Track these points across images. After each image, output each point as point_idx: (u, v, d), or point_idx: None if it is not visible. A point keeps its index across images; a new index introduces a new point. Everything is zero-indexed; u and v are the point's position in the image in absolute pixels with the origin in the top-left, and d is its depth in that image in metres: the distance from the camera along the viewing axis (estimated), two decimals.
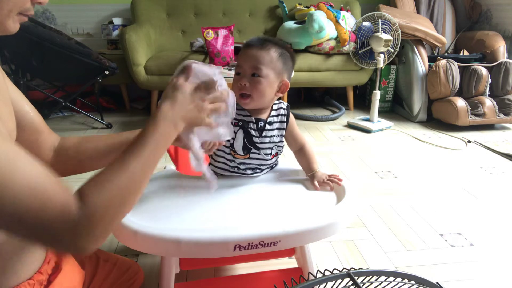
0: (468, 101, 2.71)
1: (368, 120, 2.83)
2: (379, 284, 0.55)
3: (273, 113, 1.00)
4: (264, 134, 0.98)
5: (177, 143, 0.77)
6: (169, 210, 0.87)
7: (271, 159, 1.01)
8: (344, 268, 0.54)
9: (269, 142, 0.99)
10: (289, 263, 1.27)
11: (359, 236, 1.46)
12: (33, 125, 0.79)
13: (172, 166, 1.12)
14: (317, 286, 0.52)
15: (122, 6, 3.36)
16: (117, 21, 3.26)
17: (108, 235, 0.60)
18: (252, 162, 0.99)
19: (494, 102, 2.70)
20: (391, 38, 2.60)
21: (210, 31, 2.75)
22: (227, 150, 0.98)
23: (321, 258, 1.32)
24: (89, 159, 0.85)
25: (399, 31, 2.67)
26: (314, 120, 2.98)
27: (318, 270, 0.58)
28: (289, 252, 1.16)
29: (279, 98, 1.02)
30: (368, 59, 2.79)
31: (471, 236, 1.46)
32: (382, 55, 2.67)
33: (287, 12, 3.22)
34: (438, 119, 2.86)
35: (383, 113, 3.16)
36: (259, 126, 0.97)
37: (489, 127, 2.82)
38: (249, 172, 1.01)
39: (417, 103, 2.93)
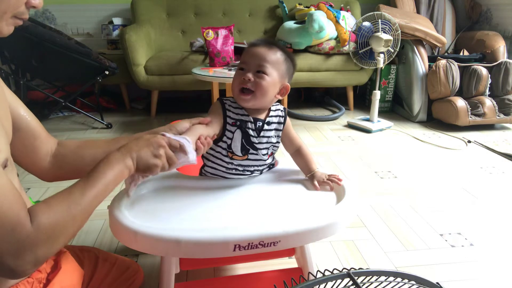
0: (468, 101, 2.71)
1: (368, 120, 2.83)
2: (379, 284, 0.55)
3: (272, 113, 1.00)
4: (262, 134, 0.97)
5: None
6: (169, 210, 0.87)
7: (267, 159, 1.01)
8: (344, 268, 0.54)
9: (267, 143, 0.99)
10: (289, 263, 1.27)
11: (359, 236, 1.46)
12: (29, 129, 0.78)
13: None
14: (317, 286, 0.52)
15: (122, 6, 3.36)
16: (117, 21, 3.26)
17: (45, 260, 0.63)
18: (250, 163, 0.98)
19: (494, 102, 2.70)
20: (391, 38, 2.60)
21: (210, 31, 2.75)
22: (224, 152, 0.97)
23: (321, 258, 1.32)
24: (86, 165, 0.85)
25: (399, 31, 2.67)
26: (314, 120, 2.98)
27: (318, 270, 0.58)
28: (289, 252, 1.16)
29: (278, 101, 1.02)
30: (368, 59, 2.79)
31: (471, 236, 1.46)
32: (382, 55, 2.67)
33: (287, 12, 3.23)
34: (438, 119, 2.86)
35: (383, 113, 3.16)
36: (257, 126, 0.97)
37: (489, 127, 2.82)
38: (247, 173, 1.01)
39: (417, 103, 2.93)
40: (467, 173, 2.04)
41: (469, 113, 2.66)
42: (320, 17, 2.75)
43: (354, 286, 0.51)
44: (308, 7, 3.12)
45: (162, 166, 0.76)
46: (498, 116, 2.70)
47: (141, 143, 0.75)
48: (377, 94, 2.76)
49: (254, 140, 0.96)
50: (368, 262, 1.31)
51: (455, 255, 1.35)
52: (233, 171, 0.99)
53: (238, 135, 0.95)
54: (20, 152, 0.75)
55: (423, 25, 2.93)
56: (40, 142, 0.82)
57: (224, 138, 0.96)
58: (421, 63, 2.89)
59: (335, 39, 2.99)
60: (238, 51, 2.82)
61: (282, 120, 1.01)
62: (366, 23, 2.70)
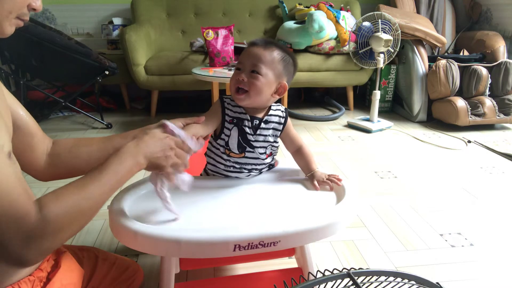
0: (468, 101, 2.71)
1: (368, 120, 2.83)
2: (379, 284, 0.55)
3: (271, 112, 1.00)
4: (258, 132, 0.98)
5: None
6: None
7: (266, 158, 1.01)
8: (344, 268, 0.54)
9: (264, 141, 0.99)
10: (289, 263, 1.27)
11: (359, 236, 1.46)
12: (27, 128, 0.79)
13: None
14: (317, 286, 0.52)
15: (122, 6, 3.36)
16: (117, 21, 3.26)
17: (51, 251, 0.64)
18: (247, 161, 0.99)
19: (494, 102, 2.70)
20: (391, 38, 2.60)
21: (210, 31, 2.75)
22: (222, 149, 0.98)
23: (321, 258, 1.32)
24: (81, 164, 0.86)
25: (399, 31, 2.67)
26: (314, 120, 2.98)
27: (318, 270, 0.58)
28: (289, 252, 1.16)
29: (278, 101, 1.03)
30: (368, 59, 2.79)
31: (471, 236, 1.46)
32: (382, 55, 2.67)
33: (287, 12, 3.23)
34: (438, 119, 2.86)
35: (383, 113, 3.16)
36: (254, 124, 0.97)
37: (489, 127, 2.82)
38: (245, 171, 1.01)
39: (417, 103, 2.93)
40: (467, 173, 2.04)
41: (469, 113, 2.66)
42: (320, 17, 2.75)
43: (354, 286, 0.51)
44: (308, 7, 3.12)
45: (171, 165, 0.78)
46: (498, 116, 2.70)
47: (153, 143, 0.76)
48: (377, 94, 2.76)
49: (251, 138, 0.97)
50: (368, 262, 1.31)
51: (455, 255, 1.35)
52: (231, 169, 1.00)
53: (235, 132, 0.96)
54: (18, 151, 0.75)
55: (423, 25, 2.93)
56: (37, 141, 0.82)
57: (222, 136, 0.97)
58: (421, 63, 2.89)
59: (335, 39, 2.98)
60: (238, 51, 2.82)
61: (282, 120, 1.01)
62: (366, 23, 2.70)
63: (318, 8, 3.04)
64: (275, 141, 1.02)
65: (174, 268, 0.99)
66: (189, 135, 0.85)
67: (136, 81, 2.90)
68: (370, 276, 0.54)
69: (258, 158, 0.99)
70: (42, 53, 2.43)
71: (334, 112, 3.16)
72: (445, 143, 2.51)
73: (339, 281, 0.53)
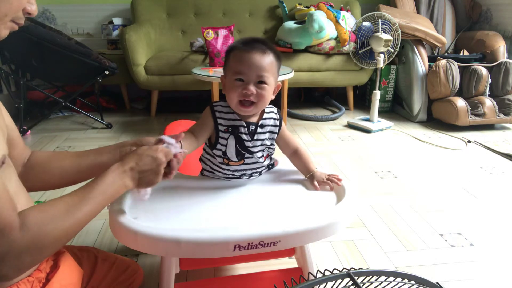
0: (468, 101, 2.71)
1: (368, 120, 2.83)
2: (379, 284, 0.55)
3: (265, 115, 0.98)
4: (255, 137, 0.95)
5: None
6: (169, 210, 0.87)
7: (264, 161, 1.00)
8: (344, 268, 0.54)
9: (261, 145, 0.97)
10: (289, 263, 1.27)
11: (359, 236, 1.46)
12: (10, 137, 0.78)
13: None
14: (317, 286, 0.52)
15: (122, 6, 3.36)
16: (117, 21, 3.26)
17: (30, 267, 0.62)
18: (247, 167, 0.98)
19: (494, 102, 2.70)
20: (391, 38, 2.60)
21: (210, 31, 2.75)
22: (220, 159, 0.96)
23: (321, 258, 1.32)
24: (54, 179, 0.85)
25: (399, 31, 2.67)
26: (314, 120, 2.98)
27: (318, 270, 0.58)
28: (289, 252, 1.16)
29: (275, 101, 1.01)
30: (368, 59, 2.79)
31: (471, 236, 1.46)
32: (382, 55, 2.67)
33: (287, 12, 3.23)
34: (438, 119, 2.86)
35: (383, 113, 3.16)
36: (250, 130, 0.95)
37: (489, 127, 2.82)
38: (245, 177, 1.00)
39: (417, 103, 2.93)
40: (467, 173, 2.04)
41: (469, 113, 2.66)
42: (320, 17, 2.75)
43: (354, 286, 0.51)
44: (308, 7, 3.12)
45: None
46: (498, 116, 2.70)
47: (144, 161, 0.76)
48: (377, 94, 2.76)
49: (248, 144, 0.95)
50: (368, 262, 1.31)
51: (455, 255, 1.35)
52: (230, 176, 0.99)
53: (231, 141, 0.93)
54: None
55: (423, 25, 2.93)
56: (17, 153, 0.81)
57: (218, 146, 0.94)
58: (421, 63, 2.89)
59: (335, 39, 2.98)
60: None
61: (277, 123, 0.99)
62: (366, 23, 2.70)
63: (318, 8, 3.04)
64: (272, 144, 1.01)
65: (174, 268, 0.99)
66: (174, 141, 0.83)
67: (136, 81, 2.90)
68: (370, 276, 0.54)
69: (257, 162, 0.98)
70: (42, 53, 2.42)
71: (334, 112, 3.16)
72: (445, 143, 2.51)
73: (339, 281, 0.53)
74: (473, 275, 1.25)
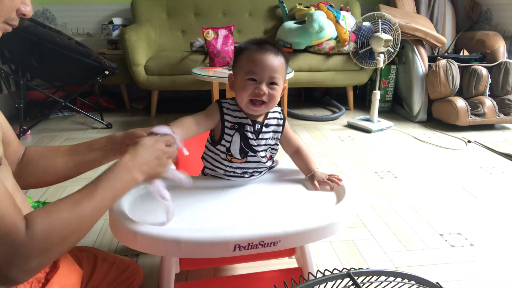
0: (468, 101, 2.71)
1: (368, 120, 2.83)
2: (379, 284, 0.55)
3: (270, 115, 0.99)
4: (260, 136, 0.97)
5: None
6: None
7: (266, 162, 1.01)
8: (344, 268, 0.54)
9: (265, 145, 0.98)
10: (289, 263, 1.27)
11: (359, 236, 1.46)
12: (4, 136, 0.77)
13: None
14: (317, 286, 0.52)
15: (122, 6, 3.36)
16: (117, 21, 3.26)
17: (39, 270, 0.61)
18: (249, 165, 0.98)
19: (494, 102, 2.70)
20: (391, 38, 2.60)
21: (210, 31, 2.75)
22: (223, 155, 0.97)
23: (321, 258, 1.32)
24: (48, 176, 0.85)
25: (399, 31, 2.67)
26: (314, 120, 2.98)
27: (318, 270, 0.58)
28: (289, 252, 1.16)
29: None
30: (368, 59, 2.79)
31: (471, 236, 1.46)
32: (382, 55, 2.67)
33: (287, 12, 3.22)
34: (438, 119, 2.86)
35: (383, 113, 3.16)
36: (256, 129, 0.96)
37: (489, 127, 2.82)
38: (246, 176, 1.01)
39: (417, 103, 2.93)
40: (467, 173, 2.04)
41: (469, 113, 2.66)
42: (320, 17, 2.75)
43: (354, 286, 0.51)
44: (308, 7, 3.12)
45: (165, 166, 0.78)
46: (498, 116, 2.70)
47: (147, 154, 0.74)
48: (377, 94, 2.76)
49: (253, 142, 0.96)
50: (368, 262, 1.31)
51: (455, 255, 1.35)
52: (231, 174, 0.99)
53: (236, 138, 0.95)
54: None
55: (423, 25, 2.93)
56: (12, 151, 0.81)
57: (223, 142, 0.95)
58: (421, 63, 2.89)
59: (335, 39, 2.98)
60: None
61: (281, 122, 1.01)
62: (366, 23, 2.70)
63: (318, 8, 3.04)
64: (275, 144, 1.02)
65: (174, 268, 0.99)
66: (166, 128, 0.83)
67: (136, 81, 2.90)
68: (370, 276, 0.54)
69: (259, 162, 0.99)
70: (42, 53, 2.42)
71: (334, 112, 3.16)
72: (445, 143, 2.50)
73: (339, 281, 0.53)
74: (473, 275, 1.25)
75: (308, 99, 3.60)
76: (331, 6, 3.08)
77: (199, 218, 0.85)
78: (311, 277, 0.55)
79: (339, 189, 0.97)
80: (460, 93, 2.77)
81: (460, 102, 2.66)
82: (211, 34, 2.75)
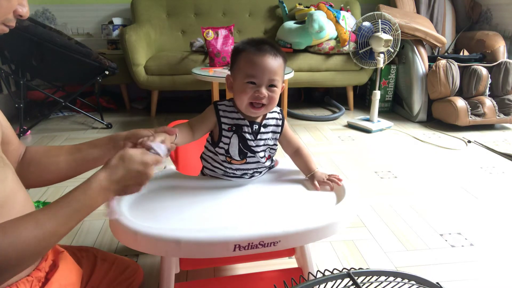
0: (468, 101, 2.71)
1: (368, 120, 2.83)
2: (379, 284, 0.55)
3: (269, 115, 0.99)
4: (259, 137, 0.96)
5: None
6: (169, 210, 0.87)
7: (265, 162, 1.01)
8: (344, 268, 0.54)
9: (264, 145, 0.98)
10: (289, 263, 1.27)
11: (359, 236, 1.46)
12: (4, 135, 0.77)
13: (172, 166, 1.12)
14: (317, 286, 0.52)
15: (122, 6, 3.36)
16: (117, 21, 3.26)
17: (2, 282, 0.57)
18: (249, 166, 0.98)
19: (494, 102, 2.70)
20: (391, 38, 2.60)
21: (210, 31, 2.75)
22: (222, 157, 0.96)
23: (321, 258, 1.32)
24: (50, 175, 0.85)
25: (399, 31, 2.67)
26: (314, 120, 2.98)
27: (318, 270, 0.58)
28: (289, 252, 1.16)
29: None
30: (368, 59, 2.79)
31: (471, 236, 1.46)
32: (382, 55, 2.67)
33: (287, 12, 3.22)
34: (438, 119, 2.86)
35: (383, 113, 3.16)
36: (254, 129, 0.96)
37: (489, 127, 2.82)
38: (246, 177, 1.00)
39: (417, 103, 2.93)
40: (467, 173, 2.04)
41: (469, 113, 2.66)
42: (320, 17, 2.75)
43: (354, 286, 0.51)
44: (308, 7, 3.12)
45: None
46: (498, 116, 2.70)
47: (132, 174, 0.71)
48: (377, 94, 2.76)
49: (252, 143, 0.95)
50: (368, 262, 1.31)
51: (455, 255, 1.35)
52: (231, 175, 0.99)
53: (235, 140, 0.94)
54: None
55: (423, 25, 2.93)
56: (12, 150, 0.81)
57: (221, 144, 0.95)
58: (421, 63, 2.89)
59: (335, 39, 2.98)
60: None
61: (280, 123, 1.01)
62: (366, 23, 2.70)
63: (318, 8, 3.04)
64: (274, 144, 1.01)
65: (174, 268, 0.99)
66: (164, 147, 0.79)
67: (136, 81, 2.90)
68: (370, 276, 0.54)
69: (259, 162, 0.99)
70: (42, 53, 2.42)
71: (334, 112, 3.16)
72: (445, 143, 2.50)
73: (339, 281, 0.53)
74: (473, 275, 1.25)
75: (308, 99, 3.60)
76: (331, 6, 3.08)
77: (199, 218, 0.85)
78: (311, 277, 0.55)
79: (339, 189, 0.97)
80: (460, 93, 2.77)
81: (460, 102, 2.66)
82: (211, 34, 2.75)
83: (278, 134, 1.01)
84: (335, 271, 0.53)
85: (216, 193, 0.96)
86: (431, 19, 3.30)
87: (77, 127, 2.80)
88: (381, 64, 2.68)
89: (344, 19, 2.97)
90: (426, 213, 1.63)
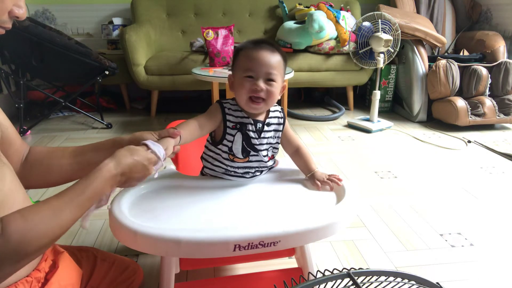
0: (468, 101, 2.71)
1: (368, 120, 2.83)
2: (379, 284, 0.55)
3: (271, 114, 1.00)
4: (262, 135, 0.97)
5: None
6: (169, 210, 0.87)
7: (268, 161, 1.01)
8: (344, 268, 0.54)
9: (267, 144, 0.99)
10: (289, 263, 1.27)
11: (359, 236, 1.46)
12: (5, 135, 0.77)
13: (172, 166, 1.12)
14: (317, 286, 0.52)
15: (122, 6, 3.36)
16: (117, 21, 3.26)
17: (12, 273, 0.60)
18: (251, 165, 0.98)
19: (494, 102, 2.70)
20: (391, 38, 2.60)
21: (210, 31, 2.75)
22: (225, 155, 0.97)
23: (321, 258, 1.32)
24: (53, 176, 0.85)
25: (399, 31, 2.67)
26: (314, 120, 2.98)
27: (318, 270, 0.58)
28: (289, 252, 1.16)
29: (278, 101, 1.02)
30: (368, 59, 2.79)
31: (471, 236, 1.46)
32: (382, 55, 2.67)
33: (287, 12, 3.22)
34: (438, 119, 2.86)
35: (383, 113, 3.16)
36: (258, 128, 0.96)
37: (489, 127, 2.82)
38: (247, 176, 1.01)
39: (417, 103, 2.93)
40: (467, 173, 2.04)
41: (469, 113, 2.66)
42: (320, 17, 2.75)
43: (354, 286, 0.51)
44: (308, 7, 3.12)
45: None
46: (498, 116, 2.70)
47: (137, 168, 0.75)
48: (377, 94, 2.76)
49: (255, 141, 0.96)
50: (368, 262, 1.31)
51: (455, 255, 1.35)
52: (232, 173, 0.99)
53: (238, 137, 0.95)
54: None
55: (423, 25, 2.93)
56: (15, 150, 0.80)
57: (225, 142, 0.96)
58: (421, 63, 2.89)
59: (335, 39, 2.98)
60: None
61: (281, 121, 1.02)
62: (366, 23, 2.70)
63: (318, 8, 3.04)
64: (277, 142, 1.02)
65: (174, 268, 0.99)
66: (163, 151, 0.81)
67: (136, 81, 2.90)
68: (370, 276, 0.54)
69: (261, 161, 0.99)
70: (42, 53, 2.43)
71: (334, 112, 3.16)
72: (445, 143, 2.50)
73: (339, 281, 0.53)
74: (473, 275, 1.25)
75: (308, 99, 3.60)
76: (331, 6, 3.08)
77: (199, 218, 0.85)
78: (311, 277, 0.55)
79: (339, 189, 0.97)
80: (460, 93, 2.77)
81: (460, 102, 2.66)
82: (211, 34, 2.75)
83: (280, 133, 1.02)
84: (335, 271, 0.53)
85: (216, 193, 0.96)
86: (431, 19, 3.30)
87: (77, 127, 2.80)
88: (381, 64, 2.68)
89: (344, 19, 2.98)
90: (426, 213, 1.63)
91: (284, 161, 1.12)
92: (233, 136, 0.95)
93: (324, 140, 2.56)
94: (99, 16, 3.35)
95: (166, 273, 0.93)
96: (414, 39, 2.92)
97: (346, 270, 0.53)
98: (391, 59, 2.77)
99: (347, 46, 2.92)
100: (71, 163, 0.85)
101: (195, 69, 2.64)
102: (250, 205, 0.91)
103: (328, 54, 2.98)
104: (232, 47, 2.80)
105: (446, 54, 3.20)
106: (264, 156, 0.99)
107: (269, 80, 0.91)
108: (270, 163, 1.03)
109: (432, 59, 2.90)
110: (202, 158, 1.04)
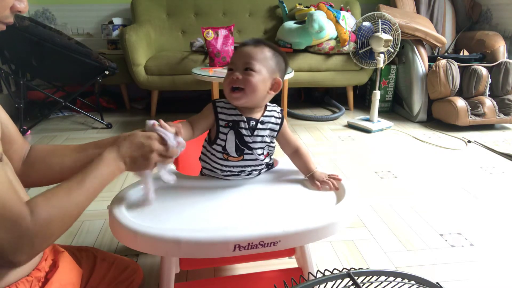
0: (468, 101, 2.71)
1: (368, 120, 2.83)
2: (379, 284, 0.55)
3: (267, 113, 0.99)
4: (256, 133, 0.96)
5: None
6: (169, 210, 0.87)
7: (264, 159, 1.00)
8: (344, 268, 0.54)
9: (261, 142, 0.98)
10: (289, 263, 1.27)
11: (359, 236, 1.46)
12: (7, 133, 0.77)
13: (172, 166, 1.12)
14: (317, 286, 0.52)
15: (122, 6, 3.36)
16: (117, 21, 3.26)
17: (40, 251, 0.66)
18: (246, 163, 0.98)
19: (494, 102, 2.70)
20: (391, 38, 2.60)
21: (210, 31, 2.75)
22: (219, 154, 0.96)
23: (321, 258, 1.32)
24: (54, 174, 0.85)
25: (399, 31, 2.67)
26: (314, 120, 2.98)
27: (318, 270, 0.58)
28: (289, 252, 1.16)
29: (277, 101, 1.02)
30: (368, 59, 2.79)
31: (471, 236, 1.46)
32: (382, 55, 2.67)
33: (287, 12, 3.23)
34: (438, 119, 2.86)
35: (383, 113, 3.16)
36: (251, 125, 0.96)
37: (489, 127, 2.82)
38: (244, 175, 1.00)
39: (417, 103, 2.93)
40: (467, 173, 2.04)
41: (469, 113, 2.66)
42: (320, 17, 2.75)
43: (354, 286, 0.51)
44: (308, 7, 3.12)
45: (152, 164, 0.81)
46: (498, 116, 2.70)
47: (135, 146, 0.78)
48: (377, 94, 2.76)
49: (248, 139, 0.95)
50: (368, 262, 1.31)
51: (455, 255, 1.35)
52: (228, 173, 0.99)
53: (231, 136, 0.94)
54: None
55: (423, 25, 2.93)
56: (16, 148, 0.81)
57: (218, 141, 0.95)
58: (421, 63, 2.89)
59: (335, 39, 2.98)
60: None
61: (278, 121, 1.00)
62: (366, 23, 2.70)
63: (318, 8, 3.04)
64: (271, 142, 1.01)
65: (174, 268, 0.99)
66: (173, 135, 0.83)
67: (136, 81, 2.90)
68: (370, 276, 0.54)
69: (257, 159, 0.98)
70: (42, 53, 2.42)
71: (334, 112, 3.16)
72: (445, 143, 2.50)
73: (339, 281, 0.53)
74: (473, 275, 1.25)
75: (308, 99, 3.60)
76: (331, 6, 3.08)
77: (199, 218, 0.85)
78: (311, 277, 0.55)
79: (339, 189, 0.97)
80: (460, 93, 2.77)
81: (460, 102, 2.66)
82: (211, 34, 2.75)
83: (276, 133, 1.01)
84: (335, 271, 0.53)
85: (216, 193, 0.96)
86: (431, 19, 3.30)
87: (77, 127, 2.80)
88: (381, 64, 2.68)
89: (344, 19, 2.98)
90: (426, 213, 1.63)
91: (284, 161, 1.11)
92: (226, 134, 0.95)
93: (324, 140, 2.56)
94: (99, 16, 3.35)
95: (166, 273, 0.93)
96: (414, 39, 2.92)
97: (346, 270, 0.53)
98: (391, 59, 2.77)
99: (347, 46, 2.92)
100: (72, 161, 0.86)
101: (195, 69, 2.64)
102: (250, 205, 0.91)
103: (328, 54, 2.98)
104: (232, 47, 2.80)
105: (446, 54, 3.20)
106: (260, 154, 0.98)
107: (247, 69, 0.92)
108: (267, 160, 1.02)
109: (432, 59, 2.90)
110: (200, 159, 1.04)
